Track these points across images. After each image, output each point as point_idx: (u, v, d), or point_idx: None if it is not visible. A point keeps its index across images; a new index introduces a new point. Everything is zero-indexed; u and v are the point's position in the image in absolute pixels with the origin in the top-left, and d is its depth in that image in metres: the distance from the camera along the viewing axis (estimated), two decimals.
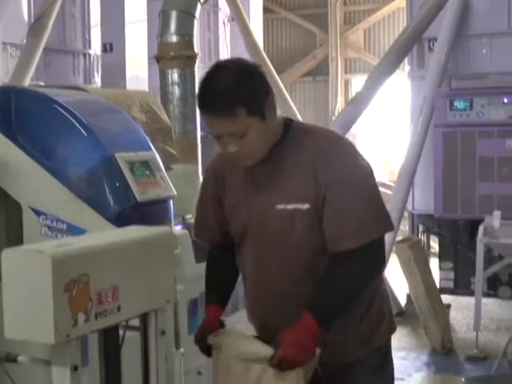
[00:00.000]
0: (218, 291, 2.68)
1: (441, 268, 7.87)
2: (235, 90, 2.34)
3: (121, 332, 2.34)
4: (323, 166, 2.39)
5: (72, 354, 1.95)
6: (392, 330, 2.68)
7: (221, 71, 2.40)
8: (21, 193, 3.33)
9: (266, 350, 2.38)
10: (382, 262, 2.54)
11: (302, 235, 2.44)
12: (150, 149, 3.58)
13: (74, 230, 3.16)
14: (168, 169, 3.85)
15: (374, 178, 2.47)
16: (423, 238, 8.05)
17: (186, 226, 4.22)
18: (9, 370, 3.03)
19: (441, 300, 6.64)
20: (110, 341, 2.20)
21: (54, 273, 1.85)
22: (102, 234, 2.30)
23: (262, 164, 2.46)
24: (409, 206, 7.80)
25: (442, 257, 7.91)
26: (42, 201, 3.28)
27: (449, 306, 6.84)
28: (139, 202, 3.24)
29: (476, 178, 7.14)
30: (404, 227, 8.49)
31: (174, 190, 3.55)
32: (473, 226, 7.12)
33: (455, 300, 7.47)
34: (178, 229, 3.94)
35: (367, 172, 2.46)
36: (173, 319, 3.04)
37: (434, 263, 7.87)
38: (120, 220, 3.14)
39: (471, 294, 6.93)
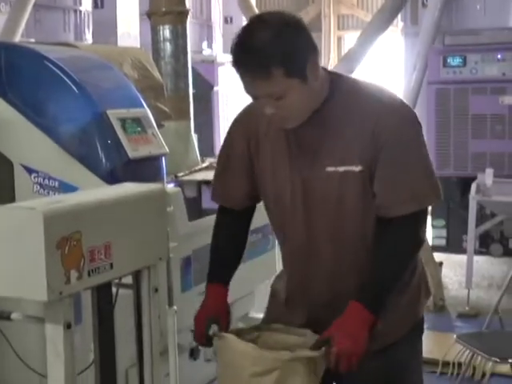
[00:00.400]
0: (228, 266, 2.53)
1: (433, 226, 7.89)
2: (272, 47, 2.12)
3: (114, 290, 2.34)
4: (381, 128, 2.23)
5: (65, 311, 1.95)
6: (429, 295, 2.60)
7: (259, 25, 2.19)
8: (12, 150, 3.30)
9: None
10: (425, 232, 2.39)
11: (354, 199, 2.29)
12: (142, 106, 3.54)
13: (66, 188, 3.15)
14: (160, 126, 3.82)
15: (425, 145, 2.34)
16: None
17: (178, 183, 4.21)
18: (2, 328, 3.05)
19: (433, 258, 6.66)
20: (103, 298, 2.19)
21: (46, 230, 1.84)
22: (94, 192, 2.28)
23: (308, 124, 2.28)
24: None
25: (434, 215, 7.92)
26: (33, 158, 3.26)
27: (441, 263, 6.86)
28: (131, 159, 3.22)
29: (469, 136, 7.13)
30: None
31: (166, 148, 3.52)
32: (465, 183, 7.12)
33: (447, 258, 7.49)
34: (170, 186, 3.92)
35: (422, 138, 2.33)
36: (166, 277, 3.06)
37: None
38: (112, 177, 3.12)
39: (463, 251, 6.96)
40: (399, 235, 2.27)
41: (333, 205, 2.31)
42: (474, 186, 6.45)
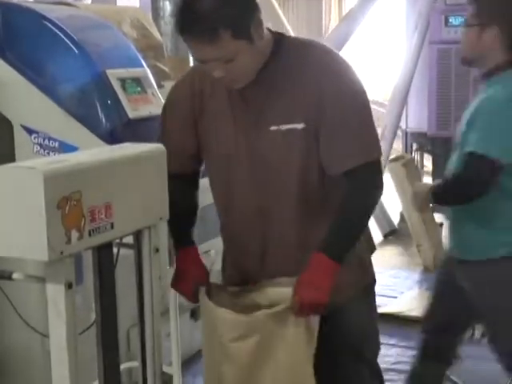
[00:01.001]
0: (189, 230, 2.59)
1: None
2: (218, 10, 2.11)
3: (115, 250, 2.34)
4: (327, 82, 2.27)
5: (66, 271, 1.95)
6: (374, 250, 2.66)
7: None
8: (11, 111, 3.29)
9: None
10: (382, 182, 2.42)
11: (298, 156, 2.33)
12: (142, 65, 3.52)
13: (66, 148, 3.14)
14: (160, 86, 3.79)
15: (367, 104, 2.39)
16: (416, 156, 8.05)
17: None
18: (4, 288, 3.06)
19: (434, 218, 6.66)
20: (104, 258, 2.19)
21: (46, 190, 1.83)
22: (94, 151, 2.27)
23: (252, 83, 2.30)
24: (402, 125, 7.78)
25: (435, 175, 7.91)
26: (33, 119, 3.24)
27: (441, 224, 6.86)
28: (131, 119, 3.20)
29: (470, 96, 7.06)
30: (397, 146, 8.47)
31: None
32: None
33: None
34: None
35: (365, 93, 2.38)
36: (167, 237, 3.05)
37: (427, 182, 7.89)
38: (112, 137, 3.11)
39: None
40: (356, 187, 2.32)
41: (277, 163, 2.35)
42: None
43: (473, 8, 2.99)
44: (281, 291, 2.38)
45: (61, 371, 1.99)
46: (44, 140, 3.21)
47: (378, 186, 2.40)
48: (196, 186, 2.61)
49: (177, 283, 2.58)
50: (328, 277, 2.29)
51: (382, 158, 2.57)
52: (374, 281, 2.60)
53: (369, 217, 2.40)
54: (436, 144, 7.69)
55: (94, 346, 2.27)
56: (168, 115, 2.52)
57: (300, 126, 2.29)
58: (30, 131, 3.23)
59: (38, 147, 3.21)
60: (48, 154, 3.19)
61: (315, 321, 2.35)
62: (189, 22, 2.15)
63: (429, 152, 8.00)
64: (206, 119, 2.42)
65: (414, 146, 8.06)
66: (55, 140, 3.18)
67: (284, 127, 2.30)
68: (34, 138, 3.22)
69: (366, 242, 2.57)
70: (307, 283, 2.30)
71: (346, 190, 2.33)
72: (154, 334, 2.37)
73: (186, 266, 2.55)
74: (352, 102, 2.31)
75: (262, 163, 2.37)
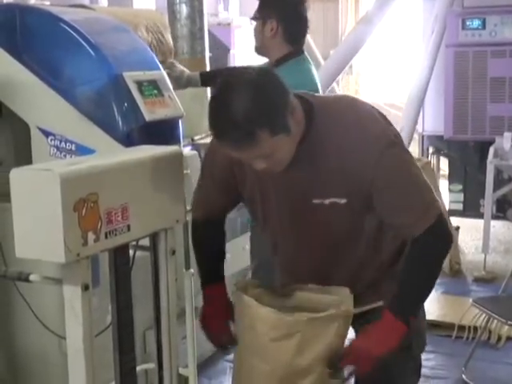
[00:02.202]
0: (217, 266, 2.58)
1: (450, 190, 7.86)
2: (253, 112, 2.02)
3: (131, 252, 2.35)
4: (363, 159, 2.18)
5: (83, 272, 1.95)
6: None
7: (233, 92, 2.05)
8: (28, 113, 3.29)
9: None
10: (448, 229, 2.33)
11: (342, 222, 2.30)
12: (158, 68, 3.52)
13: (83, 151, 3.14)
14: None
15: (411, 157, 2.31)
16: (433, 159, 8.02)
17: (195, 146, 4.20)
18: (21, 290, 3.07)
19: (450, 222, 6.63)
20: (121, 260, 2.20)
21: (63, 191, 1.84)
22: (111, 154, 2.29)
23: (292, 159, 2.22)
24: (419, 128, 7.75)
25: (451, 179, 7.89)
26: (49, 121, 3.25)
27: (457, 228, 6.84)
28: (148, 122, 3.20)
29: (487, 99, 7.06)
30: (414, 149, 8.45)
31: (183, 110, 3.50)
32: (483, 147, 7.08)
33: (464, 222, 7.47)
34: (187, 149, 3.91)
35: (406, 155, 2.29)
36: (183, 239, 3.06)
37: (443, 185, 7.86)
38: (128, 140, 3.11)
39: (480, 216, 6.94)
40: (425, 248, 2.26)
41: (321, 227, 2.32)
42: (491, 150, 6.41)
43: (258, 2, 3.52)
44: (309, 296, 2.38)
45: (78, 373, 2.00)
46: (61, 142, 3.21)
47: (443, 246, 2.32)
48: (223, 227, 2.60)
49: (208, 322, 2.57)
50: (394, 338, 2.26)
51: None
52: None
53: (436, 275, 2.33)
54: (452, 147, 7.67)
55: (111, 348, 2.27)
56: (210, 170, 2.46)
57: (342, 201, 2.25)
58: (46, 133, 3.23)
59: (55, 150, 3.22)
60: (64, 156, 3.19)
61: (346, 328, 2.36)
62: (225, 129, 2.07)
63: (445, 155, 7.97)
64: (248, 186, 2.39)
65: (431, 150, 8.03)
66: (72, 142, 3.19)
67: (327, 201, 2.26)
68: (51, 140, 3.22)
69: None
70: (368, 336, 2.29)
71: (412, 255, 2.29)
72: (170, 336, 2.38)
73: (218, 302, 2.55)
74: (395, 169, 2.22)
75: (304, 227, 2.36)
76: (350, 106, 2.31)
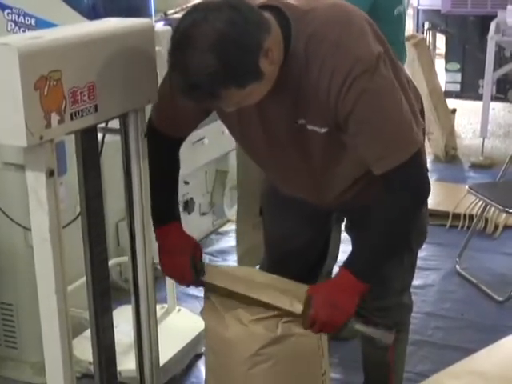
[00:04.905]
0: (175, 202, 2.53)
1: (447, 70, 7.83)
2: (217, 73, 1.89)
3: (100, 136, 2.32)
4: (339, 90, 2.06)
5: (46, 157, 1.92)
6: None
7: (193, 45, 1.90)
8: None
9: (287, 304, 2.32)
10: (423, 178, 2.25)
11: (320, 147, 2.24)
12: None
13: (44, 25, 3.06)
14: None
15: (395, 85, 2.14)
16: (429, 36, 7.97)
17: (168, 22, 4.11)
18: None
19: (446, 104, 6.63)
20: (89, 144, 2.18)
21: (22, 68, 1.79)
22: (75, 27, 2.21)
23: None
24: (414, 1, 7.65)
25: (448, 57, 7.85)
26: None
27: (454, 110, 6.84)
28: None
29: None
30: (408, 25, 8.35)
31: None
32: (483, 22, 7.02)
33: (461, 104, 7.47)
34: (159, 25, 3.84)
35: (388, 80, 2.11)
36: None
37: (439, 65, 7.81)
38: (94, 13, 3.05)
39: (479, 98, 6.94)
40: (391, 195, 2.20)
41: (305, 148, 2.27)
42: (493, 25, 6.34)
43: None
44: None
45: (45, 265, 2.00)
46: (19, 17, 3.13)
47: (416, 188, 2.23)
48: (179, 148, 2.53)
49: (170, 260, 2.51)
50: (352, 299, 2.24)
51: None
52: None
53: (406, 228, 2.28)
54: (450, 22, 7.60)
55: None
56: (166, 91, 2.28)
57: (323, 130, 2.18)
58: (2, 7, 3.14)
59: (13, 25, 3.14)
60: (23, 31, 3.12)
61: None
62: (185, 90, 1.97)
63: (442, 31, 7.90)
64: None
65: (426, 25, 7.95)
66: (31, 16, 3.10)
67: (309, 127, 2.19)
68: (8, 14, 3.13)
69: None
70: (328, 299, 2.25)
71: (380, 198, 2.22)
72: (144, 227, 2.38)
73: (178, 240, 2.50)
74: (376, 94, 2.09)
75: (282, 148, 2.32)
76: (337, 17, 2.14)
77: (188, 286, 2.58)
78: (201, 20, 1.91)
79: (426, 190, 2.26)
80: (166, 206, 2.52)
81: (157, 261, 2.49)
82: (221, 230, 5.09)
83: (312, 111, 2.16)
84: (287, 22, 2.08)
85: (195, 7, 1.99)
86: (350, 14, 2.15)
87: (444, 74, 7.78)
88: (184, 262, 2.46)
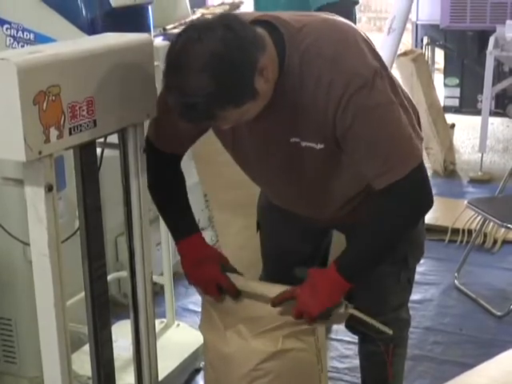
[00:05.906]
0: (189, 214, 2.50)
1: (445, 85, 7.86)
2: (214, 95, 1.90)
3: (99, 151, 2.33)
4: (336, 106, 2.06)
5: (45, 172, 1.93)
6: None
7: (189, 67, 1.90)
8: None
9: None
10: (422, 193, 2.24)
11: (315, 163, 2.24)
12: None
13: (43, 40, 3.07)
14: None
15: (392, 101, 2.12)
16: (427, 51, 7.98)
17: (167, 37, 4.13)
18: None
19: (444, 119, 6.64)
20: (87, 159, 2.18)
21: (21, 83, 1.80)
22: (74, 42, 2.23)
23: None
24: (412, 16, 7.67)
25: (447, 72, 7.88)
26: (4, 8, 3.17)
27: (453, 125, 6.86)
28: (114, 8, 3.13)
29: None
30: (407, 40, 8.38)
31: None
32: (482, 37, 7.04)
33: (460, 119, 7.50)
34: (158, 40, 3.85)
35: (386, 96, 2.10)
36: None
37: (438, 80, 7.84)
38: (93, 29, 3.05)
39: (477, 112, 6.96)
40: (390, 206, 2.20)
41: (299, 165, 2.27)
42: (492, 40, 6.36)
43: None
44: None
45: (44, 280, 2.01)
46: (18, 32, 3.14)
47: (417, 201, 2.24)
48: (180, 161, 2.52)
49: (200, 273, 2.48)
50: (331, 290, 2.27)
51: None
52: None
53: (399, 239, 2.27)
54: (449, 37, 7.62)
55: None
56: (163, 108, 2.27)
57: (319, 146, 2.18)
58: (1, 22, 3.16)
59: (11, 40, 3.14)
60: (22, 46, 3.13)
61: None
62: (182, 112, 1.98)
63: (441, 46, 7.92)
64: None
65: (425, 40, 7.97)
66: (30, 31, 3.11)
67: (303, 144, 2.19)
68: (7, 29, 3.15)
69: None
70: (311, 282, 2.30)
71: (377, 207, 2.22)
72: (142, 241, 2.38)
73: (199, 253, 2.49)
74: (373, 110, 2.09)
75: (276, 163, 2.34)
76: (332, 33, 2.14)
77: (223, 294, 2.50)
78: (194, 40, 1.92)
79: (427, 202, 2.26)
80: (180, 220, 2.51)
81: (155, 276, 2.50)
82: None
83: (308, 128, 2.15)
84: (281, 38, 2.08)
85: (189, 26, 2.00)
86: (343, 30, 2.16)
87: (443, 89, 7.81)
88: (215, 272, 2.46)
